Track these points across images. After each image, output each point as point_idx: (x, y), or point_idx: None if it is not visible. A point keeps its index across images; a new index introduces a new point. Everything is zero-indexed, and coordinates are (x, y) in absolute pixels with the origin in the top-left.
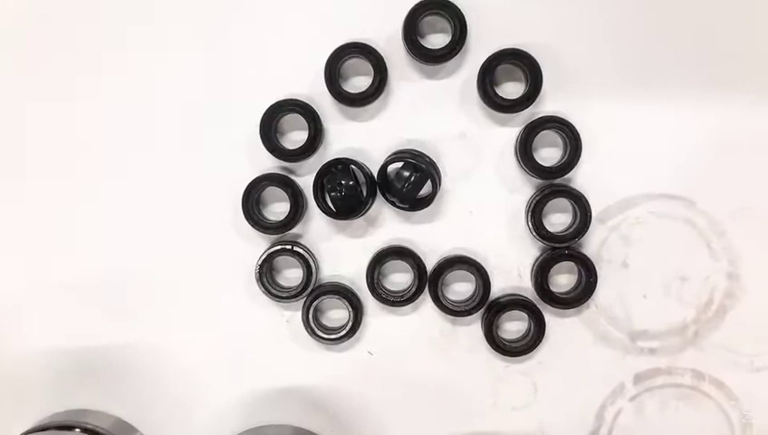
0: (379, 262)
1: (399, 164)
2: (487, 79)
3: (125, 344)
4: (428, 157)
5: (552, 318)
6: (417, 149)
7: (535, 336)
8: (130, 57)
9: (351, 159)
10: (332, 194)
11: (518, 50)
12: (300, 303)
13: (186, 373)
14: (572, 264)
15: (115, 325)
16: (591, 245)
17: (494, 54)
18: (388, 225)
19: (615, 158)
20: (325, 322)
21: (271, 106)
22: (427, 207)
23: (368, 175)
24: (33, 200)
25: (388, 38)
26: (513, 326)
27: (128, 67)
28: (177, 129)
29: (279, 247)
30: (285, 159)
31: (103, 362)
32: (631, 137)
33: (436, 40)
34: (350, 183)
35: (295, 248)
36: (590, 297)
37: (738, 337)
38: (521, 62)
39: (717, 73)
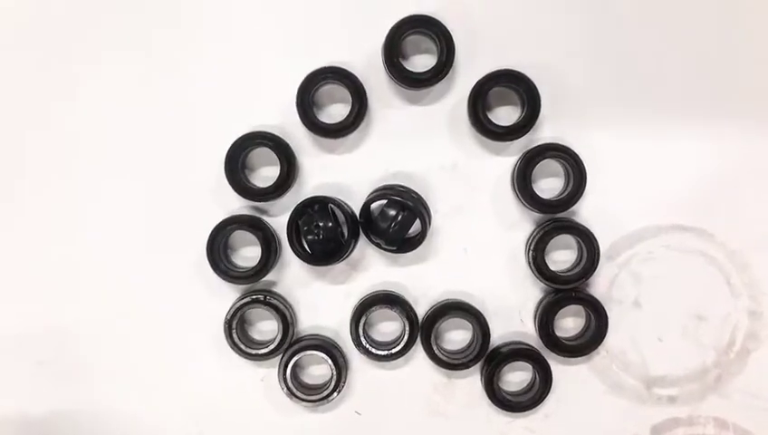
0: (364, 311)
1: (384, 201)
2: (479, 104)
3: (76, 411)
4: (416, 192)
5: (558, 367)
6: (402, 184)
7: (541, 388)
8: (80, 79)
9: (330, 198)
10: (309, 237)
11: (513, 71)
12: (276, 360)
13: None
14: (580, 307)
15: (64, 389)
16: (600, 284)
17: (485, 76)
18: (373, 269)
19: (622, 187)
20: (305, 380)
21: (237, 140)
22: (416, 248)
23: (348, 214)
24: None
25: (367, 61)
26: (516, 377)
27: (76, 93)
28: (131, 166)
29: (250, 298)
30: (255, 199)
31: (50, 433)
32: (640, 163)
33: (421, 62)
34: (329, 224)
35: (269, 299)
36: (600, 343)
37: (764, 381)
38: (516, 85)
39: (736, 94)
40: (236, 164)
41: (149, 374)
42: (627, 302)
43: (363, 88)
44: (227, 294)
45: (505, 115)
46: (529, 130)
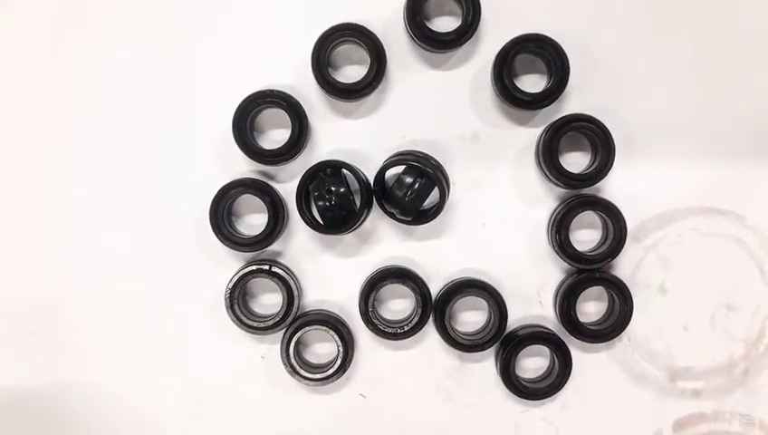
0: (374, 286)
1: (400, 168)
2: (504, 69)
3: (67, 384)
4: (435, 159)
5: (577, 353)
6: (421, 150)
7: (560, 375)
8: (85, 34)
9: (343, 162)
10: (320, 203)
11: (541, 35)
12: (279, 335)
13: (141, 420)
14: (602, 289)
15: (58, 361)
16: (624, 267)
17: (512, 41)
18: (385, 242)
19: (652, 165)
20: (309, 358)
21: (246, 98)
22: (432, 219)
23: (362, 181)
24: None
25: (387, 20)
26: (533, 363)
27: (78, 49)
28: (132, 125)
29: (254, 268)
30: (263, 162)
31: (40, 406)
32: (672, 140)
33: (444, 23)
34: (341, 190)
35: (274, 269)
36: (624, 328)
37: None
38: (544, 51)
39: None
40: (245, 124)
41: (144, 348)
42: (652, 287)
43: (383, 47)
44: (229, 263)
45: (531, 84)
46: (556, 99)
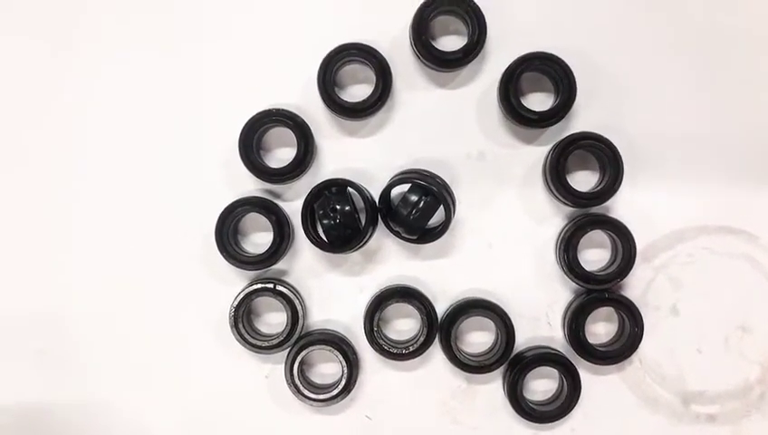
0: (379, 305)
1: (406, 187)
2: (511, 88)
3: (70, 402)
4: (440, 178)
5: (587, 376)
6: (426, 169)
7: (569, 398)
8: (92, 53)
9: (348, 181)
10: (325, 222)
11: (547, 54)
12: (283, 354)
13: None
14: (612, 310)
15: (63, 378)
16: (634, 288)
17: (519, 59)
18: (391, 260)
19: (662, 183)
20: (313, 378)
21: (253, 117)
22: (437, 238)
23: (367, 199)
24: None
25: (393, 39)
26: (541, 386)
27: (84, 67)
28: (138, 143)
29: (259, 286)
30: (269, 181)
31: (44, 426)
32: (681, 157)
33: (450, 42)
34: (347, 209)
35: (278, 287)
36: (634, 351)
37: None
38: (551, 69)
39: None
40: (251, 142)
41: (148, 367)
42: (664, 308)
43: (389, 66)
44: (235, 281)
45: (538, 102)
46: (563, 117)
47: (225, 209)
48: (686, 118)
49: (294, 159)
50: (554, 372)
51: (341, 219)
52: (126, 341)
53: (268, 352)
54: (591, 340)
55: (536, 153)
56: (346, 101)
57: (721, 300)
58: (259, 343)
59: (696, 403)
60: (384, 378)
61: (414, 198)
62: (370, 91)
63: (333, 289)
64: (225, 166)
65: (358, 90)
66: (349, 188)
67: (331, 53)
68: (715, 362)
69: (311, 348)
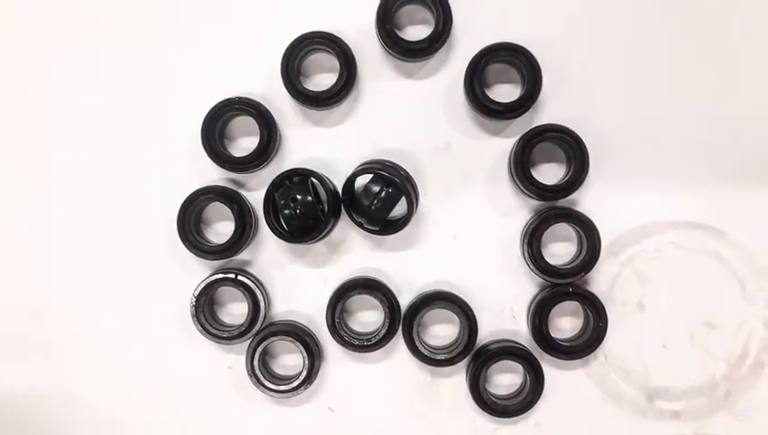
0: (342, 297)
1: (368, 177)
2: (476, 79)
3: (27, 392)
4: (404, 169)
5: (551, 370)
6: (390, 160)
7: (532, 392)
8: (59, 42)
9: (311, 171)
10: (286, 212)
11: (513, 44)
12: (245, 345)
13: (108, 426)
14: (577, 304)
15: (23, 366)
16: (600, 283)
17: (485, 49)
18: (354, 251)
19: (629, 176)
20: (276, 369)
21: (216, 106)
22: (400, 230)
23: (330, 190)
24: None
25: (359, 28)
26: (505, 379)
27: (53, 57)
28: (102, 131)
29: (220, 276)
30: (232, 170)
31: (4, 411)
32: (648, 151)
33: (416, 32)
34: (308, 199)
35: (240, 278)
36: (598, 346)
37: None
38: (517, 60)
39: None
40: (213, 131)
41: (108, 356)
42: (630, 303)
43: (353, 55)
44: (196, 272)
45: (504, 94)
46: (529, 109)
47: (188, 198)
48: (656, 112)
49: (257, 147)
50: (518, 365)
51: (302, 209)
52: (87, 329)
53: (229, 342)
54: (556, 334)
55: (503, 145)
56: (310, 90)
57: (687, 296)
58: (220, 334)
59: (660, 399)
60: (347, 371)
61: (376, 188)
62: (335, 81)
63: (297, 280)
64: (190, 154)
65: (322, 78)
66: (311, 178)
67: (294, 41)
68: (680, 359)
69: (272, 339)
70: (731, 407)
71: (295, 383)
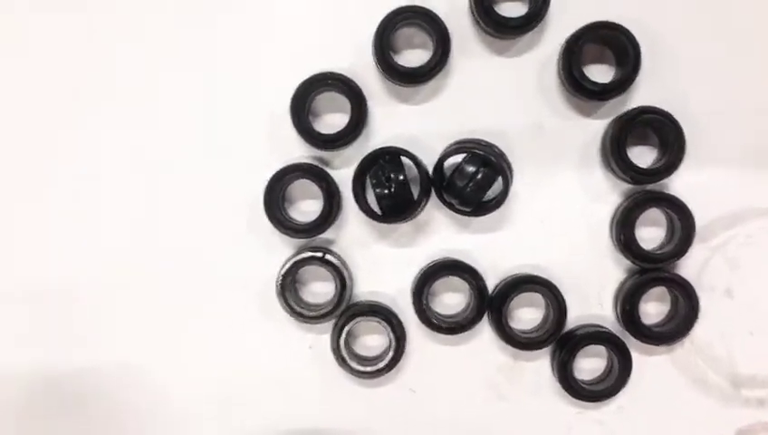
0: (428, 278)
1: (460, 157)
2: (572, 58)
3: (102, 371)
4: (498, 148)
5: (636, 356)
6: (483, 139)
7: (619, 377)
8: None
9: (402, 149)
10: (378, 191)
11: (611, 23)
12: (329, 325)
13: (182, 409)
14: (663, 289)
15: (92, 346)
16: (689, 268)
17: (582, 28)
18: (441, 232)
19: (724, 161)
20: (359, 349)
21: (304, 81)
22: (493, 211)
23: (422, 169)
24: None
25: (452, 3)
26: (588, 365)
27: (131, 29)
28: (187, 106)
29: (307, 255)
30: (320, 147)
31: (74, 394)
32: (745, 135)
33: (512, 9)
34: (401, 178)
35: (327, 257)
36: (688, 332)
37: None
38: (615, 39)
39: None
40: (302, 108)
41: (188, 335)
42: (718, 290)
43: (447, 32)
44: (282, 250)
45: (599, 74)
46: (626, 89)
47: (275, 175)
48: (752, 95)
49: (348, 124)
50: (602, 350)
51: (395, 189)
52: (167, 310)
53: (314, 321)
54: (644, 320)
55: (595, 127)
56: (403, 66)
57: None
58: (305, 313)
59: (746, 387)
60: (431, 352)
61: (471, 168)
62: (425, 57)
63: (380, 260)
64: (274, 131)
65: (413, 54)
66: (402, 156)
67: (388, 15)
68: (767, 346)
69: (359, 319)
70: None
71: (381, 364)
